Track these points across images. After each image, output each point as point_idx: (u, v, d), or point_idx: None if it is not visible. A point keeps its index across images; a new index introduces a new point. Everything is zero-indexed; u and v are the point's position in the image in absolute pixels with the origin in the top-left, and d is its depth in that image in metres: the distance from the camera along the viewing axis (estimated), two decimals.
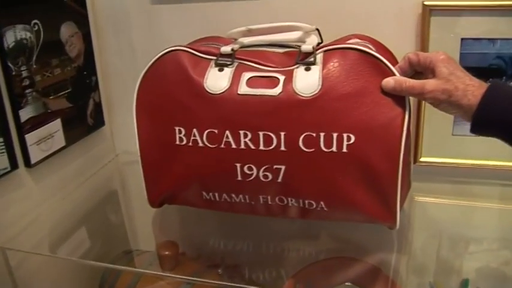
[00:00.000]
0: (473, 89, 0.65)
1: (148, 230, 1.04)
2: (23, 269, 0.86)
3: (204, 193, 0.83)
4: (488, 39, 0.88)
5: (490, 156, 0.95)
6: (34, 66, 0.86)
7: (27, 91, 0.85)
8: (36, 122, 0.88)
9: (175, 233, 1.03)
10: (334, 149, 0.73)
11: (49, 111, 0.92)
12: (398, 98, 0.72)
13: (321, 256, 0.97)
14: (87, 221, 1.02)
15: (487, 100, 0.64)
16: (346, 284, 0.97)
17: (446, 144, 0.96)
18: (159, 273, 0.86)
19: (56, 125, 0.94)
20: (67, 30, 0.96)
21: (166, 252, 0.91)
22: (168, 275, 0.87)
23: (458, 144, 0.96)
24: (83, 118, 1.04)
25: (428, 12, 0.88)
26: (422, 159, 0.99)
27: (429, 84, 0.68)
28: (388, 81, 0.71)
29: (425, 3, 0.88)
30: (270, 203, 0.80)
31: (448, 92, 0.66)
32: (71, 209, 1.00)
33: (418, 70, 0.73)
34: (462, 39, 0.89)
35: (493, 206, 1.02)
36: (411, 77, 0.72)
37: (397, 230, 0.84)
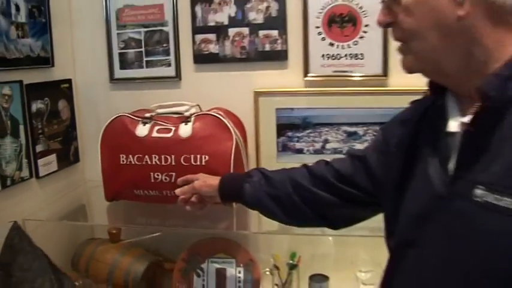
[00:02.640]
0: (214, 179, 1.26)
1: (104, 226, 1.73)
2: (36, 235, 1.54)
3: (135, 191, 1.56)
4: (290, 108, 1.66)
5: None
6: (44, 123, 1.60)
7: (40, 136, 1.58)
8: (44, 154, 1.61)
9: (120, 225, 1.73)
10: (199, 163, 1.47)
11: (50, 149, 1.64)
12: (229, 138, 1.47)
13: (206, 236, 1.69)
14: (67, 219, 1.71)
15: (222, 182, 1.23)
16: (220, 254, 1.68)
17: (275, 167, 1.71)
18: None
19: (53, 157, 1.66)
20: (62, 104, 1.71)
21: (114, 231, 1.63)
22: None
23: (282, 166, 1.71)
24: (67, 155, 1.76)
25: (257, 94, 1.67)
26: None
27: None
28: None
29: (255, 90, 1.67)
30: (169, 195, 1.53)
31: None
32: (58, 209, 1.69)
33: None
34: (276, 108, 1.67)
35: None
36: None
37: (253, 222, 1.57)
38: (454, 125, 0.80)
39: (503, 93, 0.73)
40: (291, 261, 1.65)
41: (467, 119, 0.76)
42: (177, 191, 1.27)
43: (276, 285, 1.66)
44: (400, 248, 0.88)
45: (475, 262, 0.71)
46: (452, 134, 0.80)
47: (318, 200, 1.12)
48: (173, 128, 1.51)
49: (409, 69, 0.84)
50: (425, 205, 0.81)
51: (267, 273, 1.68)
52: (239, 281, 1.66)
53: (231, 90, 1.71)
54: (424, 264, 0.80)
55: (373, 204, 1.04)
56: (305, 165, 1.21)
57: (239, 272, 1.67)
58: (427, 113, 0.90)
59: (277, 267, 1.65)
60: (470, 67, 0.77)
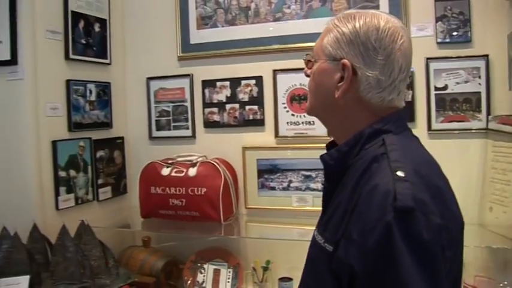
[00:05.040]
0: None
1: (140, 235, 2.53)
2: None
3: (160, 211, 2.35)
4: (266, 158, 2.43)
5: (273, 205, 2.44)
6: (104, 165, 2.45)
7: (101, 174, 2.43)
8: (102, 185, 2.45)
9: (150, 235, 2.52)
10: (199, 193, 2.26)
11: (107, 182, 2.48)
12: (219, 177, 2.25)
13: (207, 244, 2.45)
14: (116, 229, 2.51)
15: None
16: (217, 259, 2.42)
17: (256, 199, 2.46)
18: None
19: (108, 188, 2.50)
20: (116, 153, 2.56)
21: (146, 239, 2.42)
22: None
23: (261, 199, 2.46)
24: (118, 188, 2.60)
25: (244, 149, 2.44)
26: (248, 206, 2.49)
27: None
28: None
29: (243, 146, 2.45)
30: (181, 214, 2.31)
31: None
32: (112, 222, 2.50)
33: None
34: (257, 158, 2.44)
35: (283, 227, 2.48)
36: None
37: (240, 238, 2.33)
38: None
39: (341, 163, 1.02)
40: (265, 265, 2.36)
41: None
42: None
43: (255, 282, 2.37)
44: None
45: (311, 268, 1.07)
46: None
47: None
48: (185, 170, 2.31)
49: (307, 111, 1.15)
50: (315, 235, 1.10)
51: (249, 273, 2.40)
52: (229, 278, 2.39)
53: (227, 146, 2.50)
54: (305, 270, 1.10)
55: None
56: None
57: (229, 272, 2.40)
58: None
59: (255, 270, 2.37)
60: (342, 130, 1.06)
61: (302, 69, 2.21)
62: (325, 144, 1.19)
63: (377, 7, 2.22)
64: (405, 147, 0.97)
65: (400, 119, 1.05)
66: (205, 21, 2.51)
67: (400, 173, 0.87)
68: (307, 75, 1.13)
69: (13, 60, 2.03)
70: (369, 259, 0.84)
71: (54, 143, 2.16)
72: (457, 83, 2.18)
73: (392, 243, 0.81)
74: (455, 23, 2.16)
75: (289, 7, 2.36)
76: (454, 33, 2.17)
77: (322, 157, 1.08)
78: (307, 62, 1.13)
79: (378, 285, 0.83)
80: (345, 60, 1.00)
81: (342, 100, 1.02)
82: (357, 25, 1.01)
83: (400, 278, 0.81)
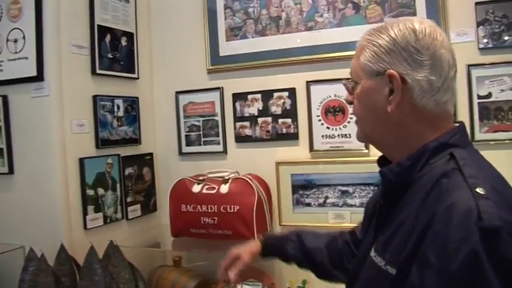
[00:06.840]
0: (253, 247, 1.49)
1: (170, 255, 2.44)
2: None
3: (191, 229, 2.26)
4: (300, 174, 2.32)
5: (309, 222, 2.33)
6: (133, 183, 2.38)
7: (129, 191, 2.35)
8: (131, 203, 2.37)
9: (181, 254, 2.43)
10: (232, 211, 2.16)
11: (136, 200, 2.41)
12: (253, 194, 2.15)
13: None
14: (146, 249, 2.44)
15: (263, 244, 1.49)
16: (251, 279, 2.32)
17: (291, 216, 2.35)
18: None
19: (138, 206, 2.43)
20: (145, 170, 2.49)
21: (176, 258, 2.33)
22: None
23: (296, 216, 2.35)
24: (148, 206, 2.52)
25: (277, 164, 2.34)
26: (282, 223, 2.38)
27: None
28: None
29: (276, 161, 2.35)
30: (213, 232, 2.22)
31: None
32: (142, 241, 2.43)
33: None
34: (291, 174, 2.33)
35: None
36: None
37: None
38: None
39: (402, 179, 0.95)
40: (300, 285, 2.25)
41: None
42: (232, 277, 1.46)
43: None
44: (352, 277, 1.13)
45: None
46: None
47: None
48: (216, 187, 2.22)
49: (359, 138, 1.11)
50: (365, 251, 1.06)
51: None
52: None
53: (259, 161, 2.41)
54: None
55: None
56: (335, 240, 1.45)
57: None
58: None
59: None
60: (400, 148, 0.99)
61: (336, 79, 2.23)
62: (376, 159, 1.13)
63: (413, 13, 2.11)
64: (477, 162, 0.93)
65: (465, 131, 1.00)
66: (234, 32, 2.43)
67: (480, 190, 0.81)
68: (350, 102, 1.07)
69: (39, 77, 1.98)
70: (453, 284, 0.77)
71: (81, 161, 2.10)
72: (502, 91, 2.05)
73: (480, 266, 0.75)
74: (498, 26, 2.04)
75: (321, 15, 2.27)
76: (498, 38, 2.05)
77: (382, 171, 1.00)
78: (349, 87, 1.07)
79: None
80: (390, 71, 0.95)
81: (397, 114, 0.96)
82: (392, 34, 0.97)
83: None
